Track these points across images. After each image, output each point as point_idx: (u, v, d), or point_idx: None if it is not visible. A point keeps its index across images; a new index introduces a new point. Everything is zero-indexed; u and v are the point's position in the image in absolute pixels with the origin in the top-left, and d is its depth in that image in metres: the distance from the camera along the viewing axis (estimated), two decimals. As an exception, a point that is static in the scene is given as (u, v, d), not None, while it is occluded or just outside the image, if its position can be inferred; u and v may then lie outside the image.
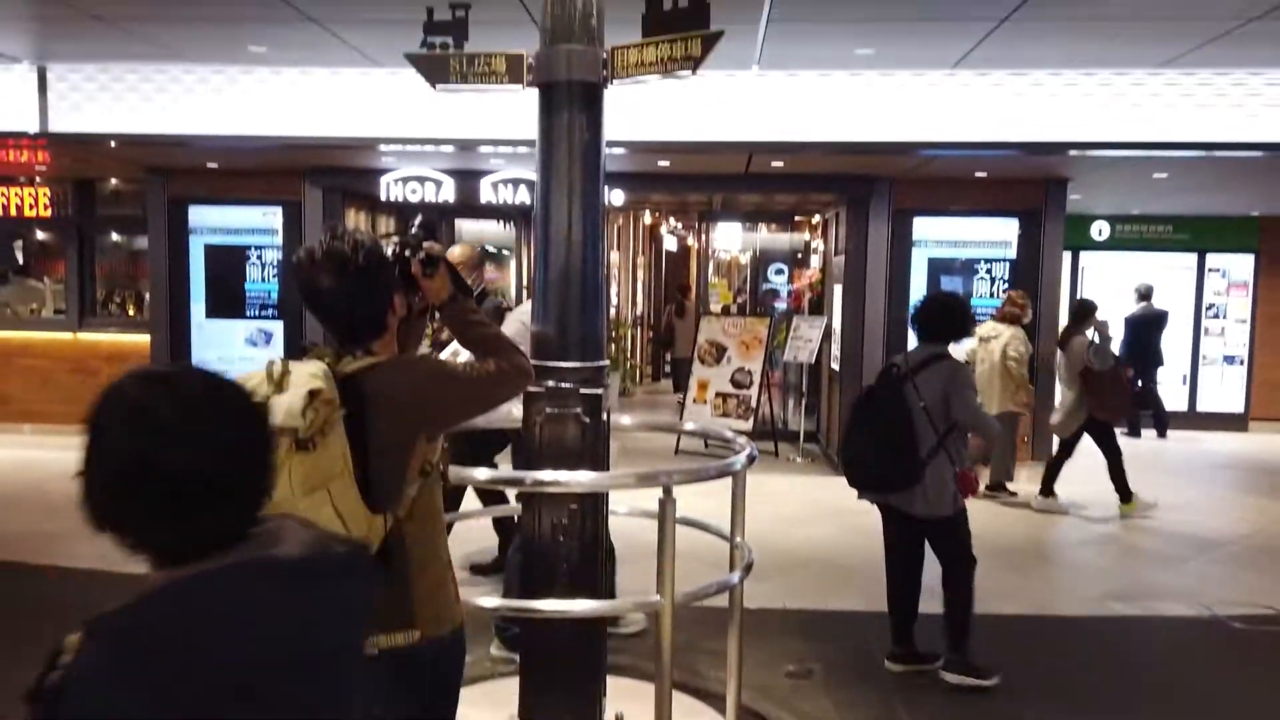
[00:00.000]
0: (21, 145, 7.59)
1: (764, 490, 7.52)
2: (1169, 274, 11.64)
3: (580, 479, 2.99)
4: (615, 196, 9.17)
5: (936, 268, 8.42)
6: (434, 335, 4.56)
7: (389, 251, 2.24)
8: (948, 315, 4.28)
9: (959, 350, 4.87)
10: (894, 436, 4.09)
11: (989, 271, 8.38)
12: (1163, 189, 9.05)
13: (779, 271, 13.95)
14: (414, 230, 2.40)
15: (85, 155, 8.16)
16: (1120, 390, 7.47)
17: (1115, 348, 11.06)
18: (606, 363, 3.29)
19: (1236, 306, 11.80)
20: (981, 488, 4.87)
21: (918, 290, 8.34)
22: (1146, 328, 11.04)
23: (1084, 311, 7.45)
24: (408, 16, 5.42)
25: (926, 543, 4.27)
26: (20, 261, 10.93)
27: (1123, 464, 7.24)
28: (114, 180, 9.93)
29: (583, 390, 3.15)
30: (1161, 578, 5.91)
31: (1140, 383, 11.09)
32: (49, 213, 9.85)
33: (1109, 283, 11.50)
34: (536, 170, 3.24)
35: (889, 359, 4.63)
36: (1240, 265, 11.70)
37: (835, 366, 9.02)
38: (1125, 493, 7.25)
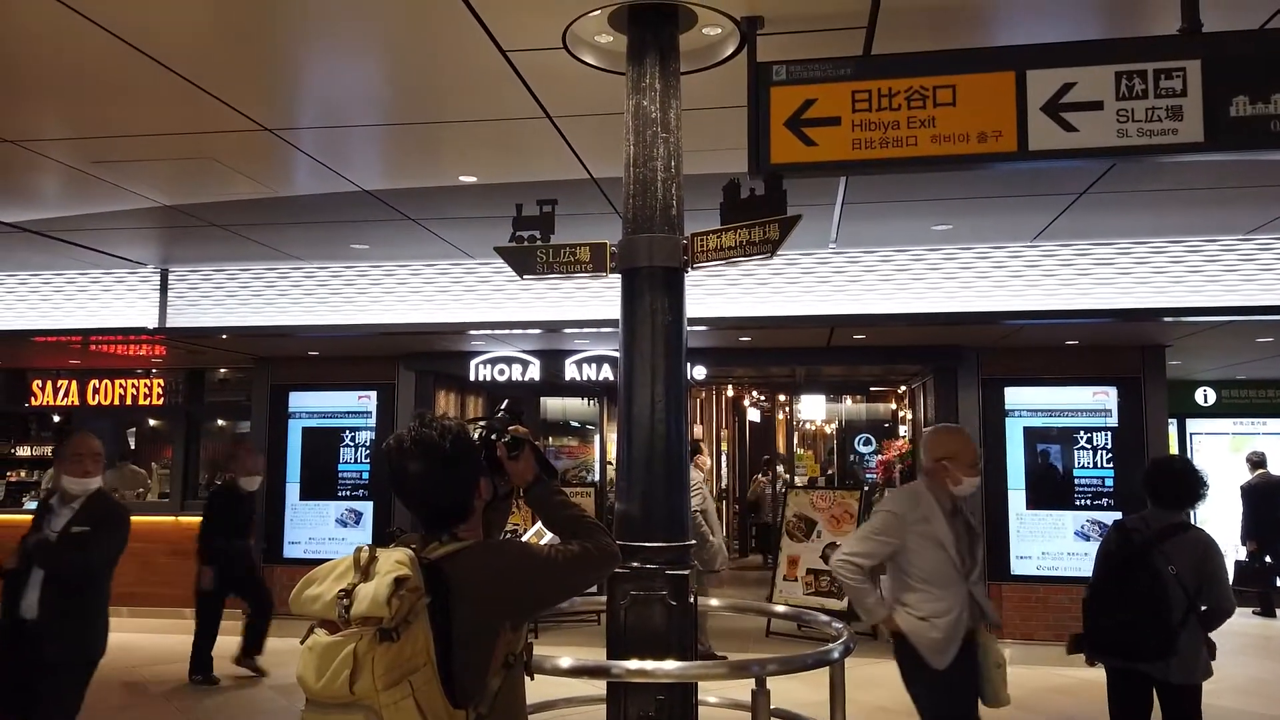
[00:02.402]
0: (141, 340, 8.14)
1: (861, 676, 7.10)
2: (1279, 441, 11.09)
3: (669, 669, 2.86)
4: (698, 371, 9.27)
5: (1034, 437, 8.15)
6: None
7: (475, 435, 2.27)
8: (1186, 481, 4.22)
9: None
10: (1151, 604, 3.97)
11: (1090, 441, 8.07)
12: (1261, 354, 8.74)
13: (866, 442, 13.69)
14: (500, 414, 2.44)
15: (198, 348, 8.68)
16: None
17: (1236, 519, 10.57)
18: (693, 542, 3.21)
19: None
20: None
21: (1015, 459, 8.07)
22: (1264, 498, 10.41)
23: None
24: (498, 214, 5.78)
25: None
26: (131, 447, 11.49)
27: None
28: (222, 370, 10.52)
29: (669, 571, 3.07)
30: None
31: (1268, 558, 10.35)
32: (161, 401, 10.41)
33: (1218, 450, 10.98)
34: (619, 351, 3.30)
35: (1120, 524, 4.36)
36: (1360, 429, 11.06)
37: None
38: None
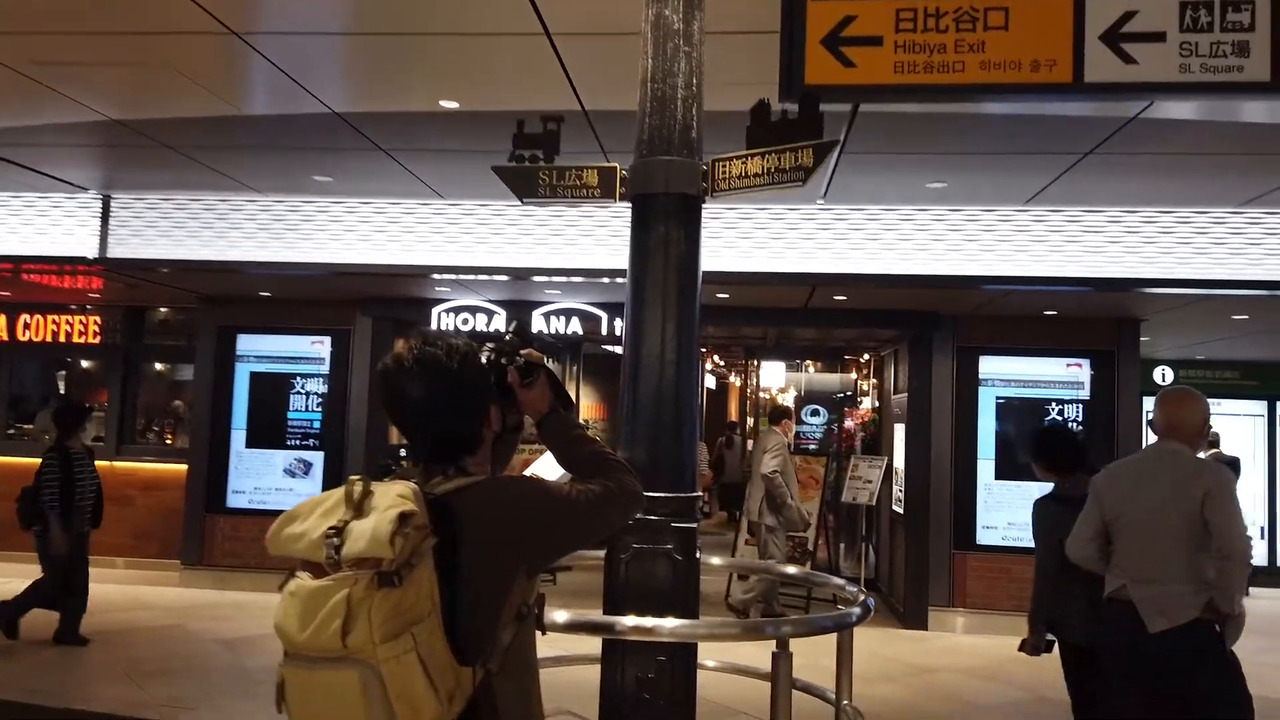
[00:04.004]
0: (79, 270, 7.61)
1: (822, 644, 6.96)
2: (1235, 422, 11.22)
3: (678, 627, 2.61)
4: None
5: (1006, 408, 8.06)
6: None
7: (484, 357, 1.98)
8: (1082, 446, 4.35)
9: None
10: None
11: (1061, 413, 8.00)
12: (1232, 333, 8.75)
13: (814, 413, 13.50)
14: (509, 336, 2.15)
15: (140, 283, 8.17)
16: None
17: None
18: (700, 494, 2.96)
19: (1312, 456, 11.28)
20: None
21: (986, 429, 7.98)
22: (1218, 477, 10.53)
23: None
24: (476, 147, 5.43)
25: None
26: (61, 389, 10.89)
27: None
28: (163, 310, 9.97)
29: (674, 524, 2.82)
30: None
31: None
32: (97, 340, 9.85)
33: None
34: (628, 287, 3.01)
35: (1052, 499, 4.29)
36: (1313, 412, 11.24)
37: (898, 509, 8.56)
38: None
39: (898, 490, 8.63)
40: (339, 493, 1.67)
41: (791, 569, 4.35)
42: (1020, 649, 4.20)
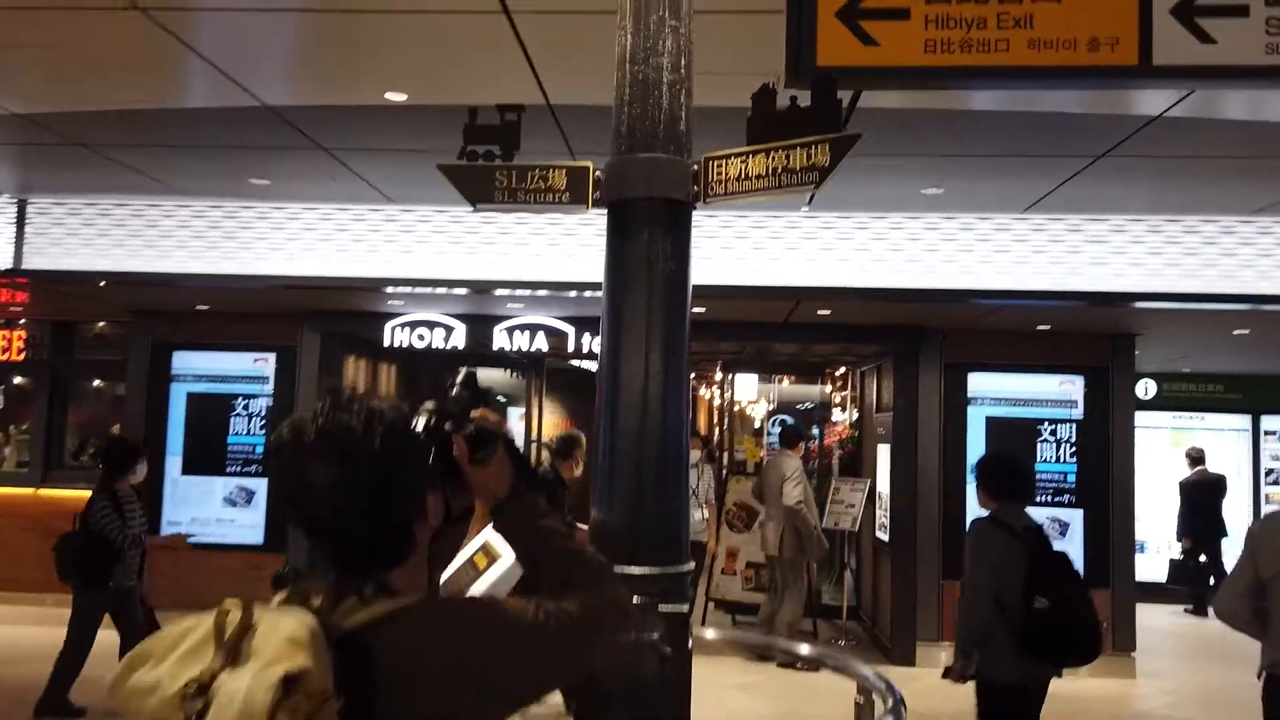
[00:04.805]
0: (-3, 282, 6.94)
1: (809, 686, 6.51)
2: (1219, 436, 10.95)
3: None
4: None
5: (997, 428, 7.62)
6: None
7: (420, 425, 1.44)
8: (1029, 474, 4.43)
9: None
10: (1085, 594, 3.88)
11: (1054, 434, 7.58)
12: (1225, 346, 8.41)
13: (779, 424, 13.06)
14: (456, 389, 1.61)
15: (65, 296, 7.49)
16: None
17: (1173, 516, 10.40)
18: (691, 566, 2.43)
19: (1297, 471, 11.00)
20: None
21: (976, 450, 7.53)
22: (1202, 494, 10.24)
23: None
24: (430, 145, 4.85)
25: None
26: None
27: None
28: (100, 324, 9.27)
29: (662, 607, 2.29)
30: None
31: (1203, 556, 10.17)
32: (22, 356, 9.12)
33: (1157, 444, 10.76)
34: (604, 310, 2.49)
35: (997, 525, 4.02)
36: (1297, 427, 10.98)
37: (882, 536, 8.09)
38: None
39: (881, 515, 8.16)
40: (206, 623, 1.13)
41: (804, 648, 3.84)
42: (945, 676, 3.96)
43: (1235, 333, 7.35)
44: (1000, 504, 4.07)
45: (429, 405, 1.50)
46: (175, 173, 5.84)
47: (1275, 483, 11.03)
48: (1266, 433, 11.04)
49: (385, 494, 1.29)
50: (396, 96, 4.24)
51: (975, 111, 4.34)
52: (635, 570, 2.30)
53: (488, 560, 2.08)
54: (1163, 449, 10.89)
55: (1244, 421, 11.08)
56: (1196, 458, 10.38)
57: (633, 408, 2.40)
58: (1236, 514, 10.59)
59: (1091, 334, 7.49)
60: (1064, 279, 6.11)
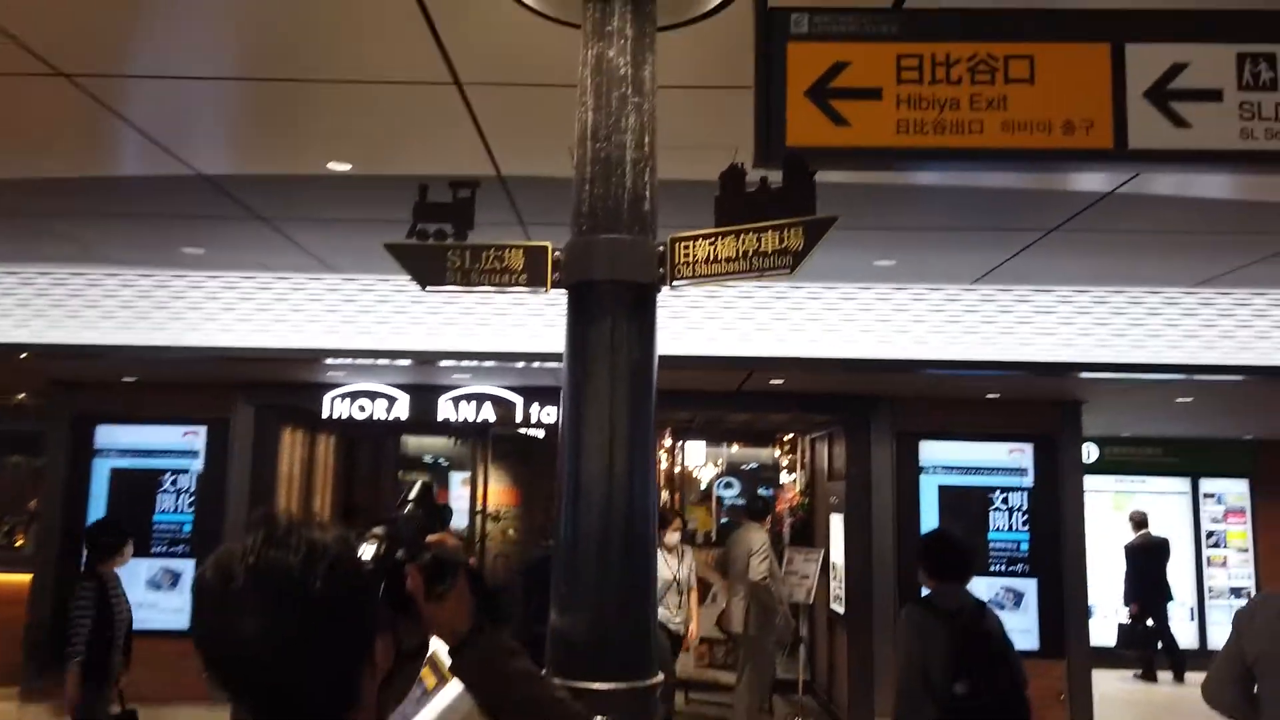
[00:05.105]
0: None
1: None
2: (1160, 500, 11.08)
3: None
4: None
5: (949, 497, 7.56)
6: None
7: (368, 555, 1.26)
8: (970, 552, 4.14)
9: None
10: (1016, 680, 3.68)
11: (1005, 502, 7.55)
12: (1167, 413, 8.53)
13: (728, 485, 12.95)
14: (408, 506, 1.43)
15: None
16: None
17: (1119, 580, 10.43)
18: (660, 679, 2.25)
19: (1236, 535, 11.15)
20: None
21: (929, 523, 7.46)
22: (1147, 558, 10.29)
23: None
24: (375, 215, 4.69)
25: None
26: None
27: None
28: (21, 394, 8.81)
29: (629, 729, 2.10)
30: None
31: (1150, 620, 10.19)
32: (-67, 429, 8.62)
33: (1100, 507, 10.83)
34: (564, 397, 2.34)
35: (965, 602, 3.88)
36: (1236, 490, 11.15)
37: (837, 607, 7.93)
38: None
39: (836, 586, 8.01)
40: None
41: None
42: None
43: (1179, 400, 7.44)
44: (939, 583, 3.94)
45: (378, 530, 1.32)
46: (103, 241, 5.57)
47: (1215, 545, 11.15)
48: (1205, 495, 11.20)
49: (327, 644, 1.10)
50: (340, 167, 4.08)
51: (929, 187, 4.33)
52: (600, 686, 2.11)
53: (436, 679, 1.87)
54: (1106, 512, 10.95)
55: (1184, 484, 11.23)
56: (1140, 521, 10.45)
57: (594, 503, 2.24)
58: (1179, 577, 10.70)
59: (1040, 401, 7.52)
60: (1013, 349, 6.12)
